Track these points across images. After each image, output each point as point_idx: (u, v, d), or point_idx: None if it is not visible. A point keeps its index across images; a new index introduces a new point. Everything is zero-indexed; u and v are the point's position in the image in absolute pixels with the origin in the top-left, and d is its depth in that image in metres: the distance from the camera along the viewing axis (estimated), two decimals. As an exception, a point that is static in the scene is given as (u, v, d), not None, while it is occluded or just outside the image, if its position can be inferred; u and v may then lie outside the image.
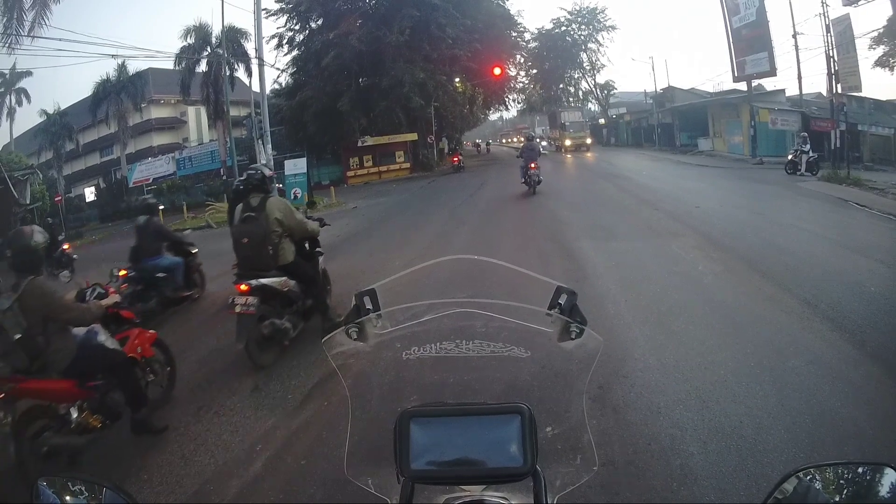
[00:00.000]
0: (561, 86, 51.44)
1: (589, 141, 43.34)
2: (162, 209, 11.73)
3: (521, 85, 50.73)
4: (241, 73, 31.67)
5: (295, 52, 34.63)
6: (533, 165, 16.87)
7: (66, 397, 3.83)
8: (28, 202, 24.41)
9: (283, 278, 5.44)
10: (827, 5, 21.33)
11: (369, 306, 1.19)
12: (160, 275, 7.35)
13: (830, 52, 21.38)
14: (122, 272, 7.09)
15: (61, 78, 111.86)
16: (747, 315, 5.58)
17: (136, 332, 4.56)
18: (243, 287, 5.19)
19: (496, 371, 1.21)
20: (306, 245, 6.09)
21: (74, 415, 3.83)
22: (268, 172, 5.82)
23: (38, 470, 3.55)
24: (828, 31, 21.42)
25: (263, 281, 5.28)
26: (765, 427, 3.46)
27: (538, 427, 1.03)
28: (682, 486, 2.94)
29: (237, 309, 5.12)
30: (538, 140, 26.40)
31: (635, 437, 3.45)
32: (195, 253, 8.15)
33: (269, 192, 5.68)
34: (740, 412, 3.68)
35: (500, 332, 1.16)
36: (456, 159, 32.45)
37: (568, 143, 42.32)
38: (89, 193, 34.77)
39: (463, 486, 1.08)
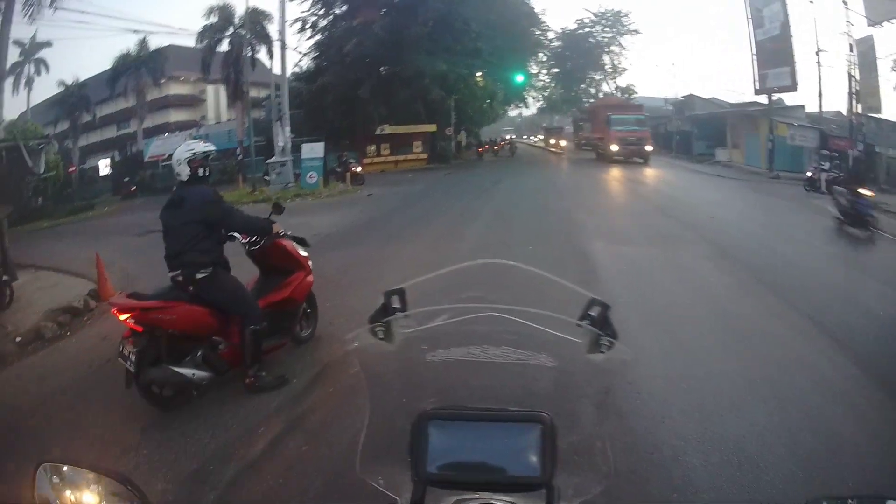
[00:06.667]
0: (582, 86, 51.01)
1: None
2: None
3: (541, 83, 50.49)
4: (262, 55, 31.49)
5: (317, 37, 34.37)
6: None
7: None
8: (42, 172, 24.32)
9: None
10: (851, 24, 21.17)
11: (397, 305, 1.19)
12: None
13: (852, 71, 21.20)
14: None
15: (81, 50, 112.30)
16: (755, 329, 5.54)
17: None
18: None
19: (519, 377, 1.20)
20: None
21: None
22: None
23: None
24: (850, 50, 21.24)
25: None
26: (767, 444, 3.44)
27: (558, 436, 1.02)
28: (682, 497, 2.93)
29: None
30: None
31: (638, 444, 3.44)
32: None
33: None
34: (743, 427, 3.66)
35: (529, 339, 1.15)
36: (497, 147, 43.81)
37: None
38: (103, 166, 34.72)
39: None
